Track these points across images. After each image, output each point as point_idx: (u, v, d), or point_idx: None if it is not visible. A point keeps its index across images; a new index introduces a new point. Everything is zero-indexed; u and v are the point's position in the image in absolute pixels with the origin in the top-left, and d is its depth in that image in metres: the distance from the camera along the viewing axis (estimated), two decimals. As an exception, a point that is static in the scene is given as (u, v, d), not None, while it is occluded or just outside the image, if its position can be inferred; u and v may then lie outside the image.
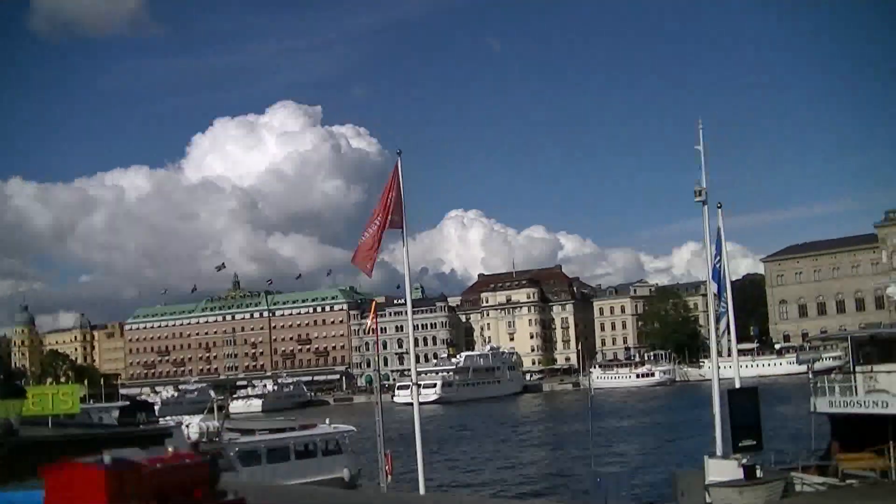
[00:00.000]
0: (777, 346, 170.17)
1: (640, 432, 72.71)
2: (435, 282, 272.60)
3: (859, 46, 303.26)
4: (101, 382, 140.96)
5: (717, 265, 27.82)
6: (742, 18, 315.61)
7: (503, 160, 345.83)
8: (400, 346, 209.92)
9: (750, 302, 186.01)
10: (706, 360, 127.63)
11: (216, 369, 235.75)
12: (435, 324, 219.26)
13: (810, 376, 35.77)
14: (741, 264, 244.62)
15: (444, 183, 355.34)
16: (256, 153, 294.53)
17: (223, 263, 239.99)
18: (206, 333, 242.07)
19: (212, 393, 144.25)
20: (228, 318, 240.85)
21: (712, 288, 28.17)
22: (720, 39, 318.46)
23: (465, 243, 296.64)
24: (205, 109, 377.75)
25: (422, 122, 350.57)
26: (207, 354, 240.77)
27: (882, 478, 27.69)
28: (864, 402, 29.50)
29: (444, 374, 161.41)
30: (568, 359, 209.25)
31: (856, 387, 30.64)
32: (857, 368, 32.40)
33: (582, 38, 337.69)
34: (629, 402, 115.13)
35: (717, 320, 28.43)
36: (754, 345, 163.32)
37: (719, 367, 29.33)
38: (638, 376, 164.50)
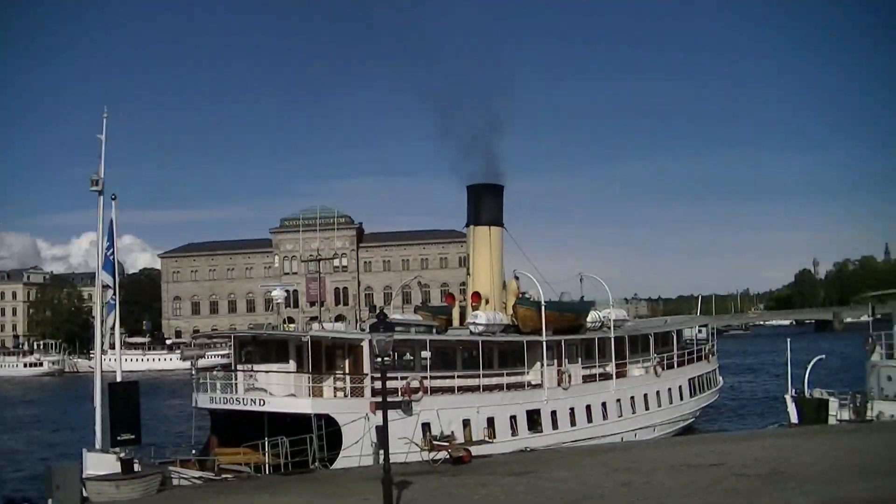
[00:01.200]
0: (169, 342, 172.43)
1: (21, 424, 69.63)
2: None
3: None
4: None
5: (110, 256, 27.48)
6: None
7: None
8: None
9: (146, 296, 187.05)
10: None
11: None
12: None
13: (193, 373, 36.73)
14: (140, 258, 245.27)
15: None
16: None
17: None
18: None
19: None
20: None
21: (104, 279, 27.79)
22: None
23: None
24: None
25: None
26: None
27: (256, 472, 29.28)
28: (243, 400, 31.02)
29: None
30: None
31: (236, 384, 32.10)
32: (239, 367, 34.00)
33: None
34: (14, 392, 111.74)
35: (108, 313, 28.04)
36: (146, 339, 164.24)
37: (108, 361, 28.97)
38: (26, 365, 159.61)
